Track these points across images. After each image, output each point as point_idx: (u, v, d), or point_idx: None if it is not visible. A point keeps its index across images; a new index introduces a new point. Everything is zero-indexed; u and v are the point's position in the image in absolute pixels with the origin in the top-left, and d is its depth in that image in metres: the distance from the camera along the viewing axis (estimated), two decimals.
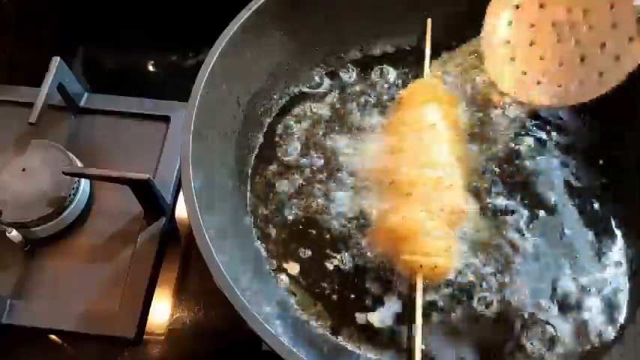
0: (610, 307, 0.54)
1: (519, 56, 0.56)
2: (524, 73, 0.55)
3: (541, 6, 0.55)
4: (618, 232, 0.57)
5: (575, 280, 0.55)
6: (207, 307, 0.63)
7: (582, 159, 0.61)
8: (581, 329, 0.53)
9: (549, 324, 0.53)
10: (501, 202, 0.58)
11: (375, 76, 0.67)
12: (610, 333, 0.53)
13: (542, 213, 0.58)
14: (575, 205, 0.59)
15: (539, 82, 0.54)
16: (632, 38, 0.49)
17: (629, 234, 0.57)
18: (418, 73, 0.66)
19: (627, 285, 0.55)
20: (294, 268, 0.57)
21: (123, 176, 0.60)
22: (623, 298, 0.54)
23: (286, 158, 0.62)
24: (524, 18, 0.55)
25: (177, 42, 0.83)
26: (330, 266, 0.56)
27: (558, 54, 0.53)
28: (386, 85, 0.66)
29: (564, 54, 0.53)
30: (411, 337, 0.52)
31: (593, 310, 0.54)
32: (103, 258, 0.64)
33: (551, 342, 0.52)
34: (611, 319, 0.53)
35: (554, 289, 0.54)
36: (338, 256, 0.57)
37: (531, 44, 0.55)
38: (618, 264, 0.56)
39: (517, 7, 0.56)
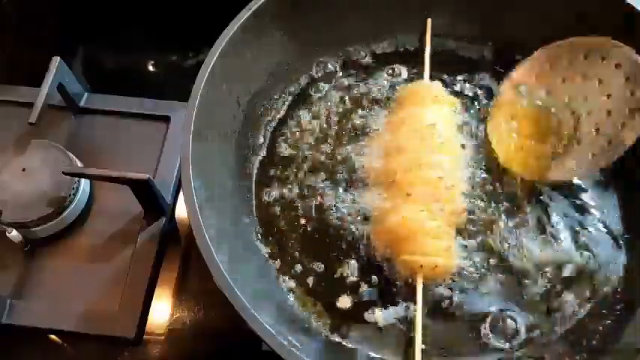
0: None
1: (524, 133, 0.59)
2: (529, 151, 0.58)
3: (563, 80, 0.58)
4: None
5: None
6: (207, 307, 0.63)
7: None
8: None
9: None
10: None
11: (375, 75, 0.67)
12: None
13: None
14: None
15: (551, 158, 0.57)
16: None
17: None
18: (419, 73, 0.66)
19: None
20: (294, 267, 0.56)
21: (123, 176, 0.60)
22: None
23: (286, 158, 0.62)
24: (539, 87, 0.59)
25: (177, 42, 0.83)
26: (330, 265, 0.56)
27: (570, 127, 0.57)
28: (386, 85, 0.66)
29: (577, 127, 0.56)
30: (411, 337, 0.52)
31: None
32: (103, 258, 0.64)
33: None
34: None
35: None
36: (338, 256, 0.57)
37: (538, 119, 0.58)
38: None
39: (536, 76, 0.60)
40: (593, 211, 0.58)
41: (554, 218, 0.57)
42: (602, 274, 0.55)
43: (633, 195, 0.59)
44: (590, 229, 0.57)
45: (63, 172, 0.61)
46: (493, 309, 0.54)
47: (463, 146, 0.60)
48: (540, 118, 0.58)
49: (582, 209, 0.58)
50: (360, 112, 0.64)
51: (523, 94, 0.59)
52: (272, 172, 0.61)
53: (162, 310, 0.63)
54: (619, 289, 0.55)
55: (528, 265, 0.55)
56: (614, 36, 0.56)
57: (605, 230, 0.57)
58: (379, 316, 0.54)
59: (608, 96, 0.55)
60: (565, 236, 0.57)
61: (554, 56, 0.59)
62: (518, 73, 0.61)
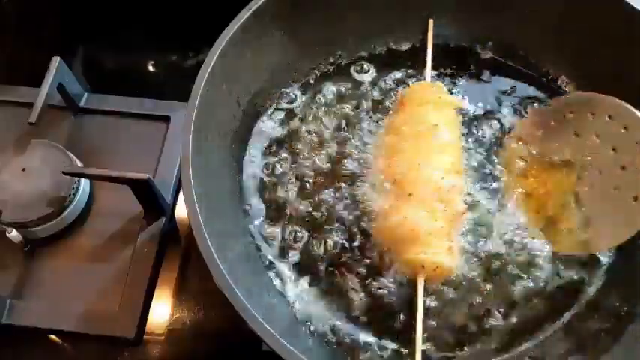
0: None
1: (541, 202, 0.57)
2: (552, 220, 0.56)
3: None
4: None
5: None
6: (207, 307, 0.63)
7: None
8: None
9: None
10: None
11: (376, 75, 0.67)
12: None
13: None
14: None
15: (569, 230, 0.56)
16: None
17: None
18: (419, 74, 0.66)
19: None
20: (295, 267, 0.56)
21: (123, 176, 0.60)
22: None
23: (286, 158, 0.62)
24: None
25: (177, 42, 0.83)
26: (331, 266, 0.56)
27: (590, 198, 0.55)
28: (387, 86, 0.66)
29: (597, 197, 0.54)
30: (411, 337, 0.52)
31: None
32: (103, 258, 0.64)
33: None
34: None
35: None
36: (339, 256, 0.56)
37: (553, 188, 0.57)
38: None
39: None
40: None
41: None
42: (603, 273, 0.56)
43: None
44: None
45: (63, 172, 0.61)
46: (493, 308, 0.54)
47: (465, 147, 0.60)
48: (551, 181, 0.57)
49: None
50: (361, 112, 0.64)
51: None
52: (272, 172, 0.61)
53: (162, 310, 0.63)
54: (619, 289, 0.55)
55: (529, 263, 0.56)
56: (614, 36, 0.56)
57: None
58: (380, 316, 0.54)
59: (614, 149, 0.53)
60: None
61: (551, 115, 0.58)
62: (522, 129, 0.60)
